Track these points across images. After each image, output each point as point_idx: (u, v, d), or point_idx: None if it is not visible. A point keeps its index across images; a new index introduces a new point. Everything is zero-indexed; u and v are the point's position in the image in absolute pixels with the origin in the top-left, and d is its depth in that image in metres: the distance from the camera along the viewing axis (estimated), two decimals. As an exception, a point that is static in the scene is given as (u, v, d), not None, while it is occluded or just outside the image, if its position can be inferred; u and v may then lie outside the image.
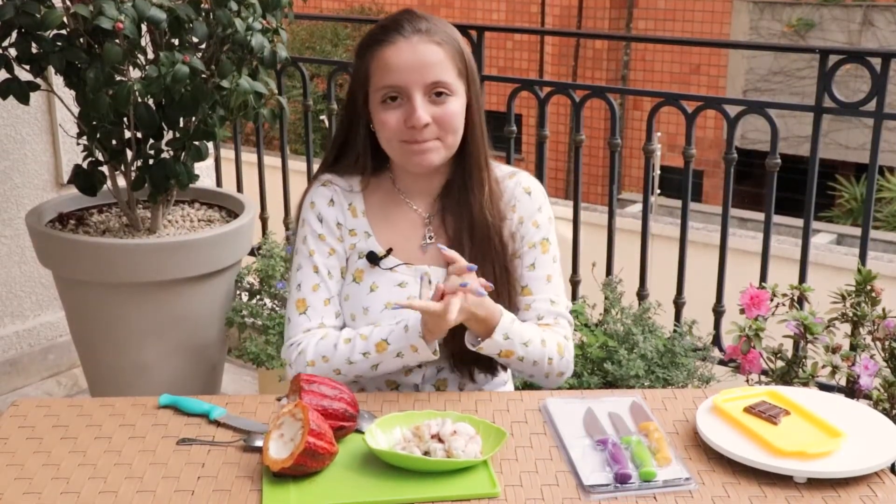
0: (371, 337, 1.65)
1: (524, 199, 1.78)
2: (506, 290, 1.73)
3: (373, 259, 1.73)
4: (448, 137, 1.68)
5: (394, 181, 1.78)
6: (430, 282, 1.70)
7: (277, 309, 3.00)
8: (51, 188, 3.38)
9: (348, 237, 1.75)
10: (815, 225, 3.34)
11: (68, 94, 2.73)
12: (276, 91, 2.88)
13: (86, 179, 2.76)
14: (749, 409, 1.50)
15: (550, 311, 1.76)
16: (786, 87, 11.00)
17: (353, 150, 1.75)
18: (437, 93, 1.65)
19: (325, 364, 1.67)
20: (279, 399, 1.56)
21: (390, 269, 1.73)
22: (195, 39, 2.64)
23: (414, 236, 1.76)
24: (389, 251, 1.73)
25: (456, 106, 1.67)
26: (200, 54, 2.65)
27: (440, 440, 1.38)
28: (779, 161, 2.68)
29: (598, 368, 2.58)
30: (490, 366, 1.74)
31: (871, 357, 2.06)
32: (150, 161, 2.73)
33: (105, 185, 2.81)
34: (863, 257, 2.57)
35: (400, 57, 1.64)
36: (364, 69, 1.69)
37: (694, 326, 2.73)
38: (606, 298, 2.77)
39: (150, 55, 2.65)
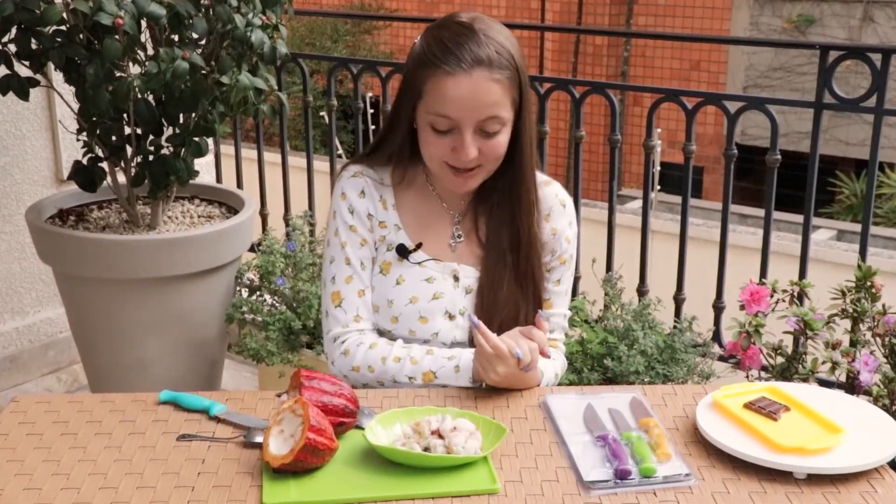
0: (421, 363, 1.66)
1: (559, 210, 1.79)
2: (536, 297, 1.75)
3: (402, 252, 1.73)
4: (489, 164, 1.68)
5: (427, 178, 1.78)
6: (457, 279, 1.73)
7: (277, 305, 3.00)
8: (50, 184, 3.38)
9: (378, 229, 1.76)
10: (815, 221, 3.33)
11: (68, 91, 2.73)
12: (275, 87, 2.87)
13: (86, 175, 2.76)
14: (749, 405, 1.50)
15: (561, 326, 1.82)
16: (786, 83, 10.97)
17: (389, 148, 1.75)
18: (488, 128, 1.62)
19: (369, 374, 1.69)
20: (279, 395, 1.56)
21: (419, 263, 1.74)
22: (195, 35, 2.63)
23: (443, 233, 1.77)
24: (419, 245, 1.74)
25: (503, 137, 1.65)
26: (200, 50, 2.65)
27: (440, 436, 1.38)
28: (779, 157, 2.68)
29: (597, 365, 2.58)
30: None
31: (871, 353, 2.06)
32: (150, 157, 2.73)
33: (105, 182, 2.81)
34: (863, 253, 2.57)
35: (458, 91, 1.58)
36: (419, 85, 1.63)
37: (694, 322, 2.73)
38: (606, 295, 2.78)
39: (150, 51, 2.65)
